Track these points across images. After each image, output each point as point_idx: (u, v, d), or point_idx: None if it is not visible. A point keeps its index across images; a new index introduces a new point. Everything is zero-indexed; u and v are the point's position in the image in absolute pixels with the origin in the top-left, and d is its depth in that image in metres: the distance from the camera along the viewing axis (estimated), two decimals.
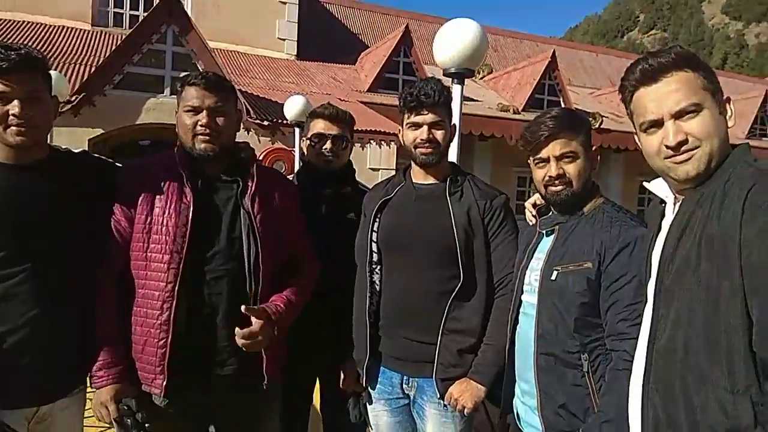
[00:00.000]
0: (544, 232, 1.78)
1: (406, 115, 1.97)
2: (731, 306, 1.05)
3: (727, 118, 1.23)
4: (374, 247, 2.02)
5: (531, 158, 1.77)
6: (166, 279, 1.71)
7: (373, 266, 2.02)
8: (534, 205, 1.91)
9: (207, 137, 1.79)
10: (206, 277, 1.75)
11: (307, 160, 2.40)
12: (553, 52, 15.96)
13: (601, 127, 14.13)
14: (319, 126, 2.33)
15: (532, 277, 1.73)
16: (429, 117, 1.93)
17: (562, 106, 15.69)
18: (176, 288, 1.71)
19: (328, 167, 2.31)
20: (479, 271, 1.93)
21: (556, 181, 1.70)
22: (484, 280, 1.93)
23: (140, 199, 1.77)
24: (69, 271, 1.67)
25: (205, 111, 1.78)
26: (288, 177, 2.37)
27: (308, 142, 2.36)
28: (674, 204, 1.29)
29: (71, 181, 1.72)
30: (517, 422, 1.82)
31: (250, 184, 1.84)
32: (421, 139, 1.94)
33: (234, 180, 1.84)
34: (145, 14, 11.09)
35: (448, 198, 1.95)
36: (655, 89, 1.24)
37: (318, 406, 2.46)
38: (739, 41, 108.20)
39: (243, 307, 1.71)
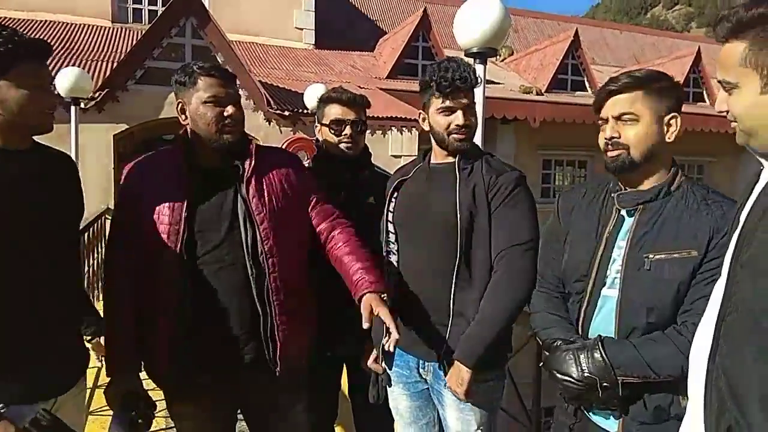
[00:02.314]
0: (624, 212, 1.55)
1: (438, 99, 1.87)
2: None
3: None
4: (390, 227, 1.99)
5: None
6: (170, 271, 1.71)
7: (390, 246, 1.99)
8: None
9: (234, 128, 1.78)
10: (211, 268, 1.74)
11: (324, 147, 2.34)
12: (576, 31, 15.62)
13: None
14: (335, 111, 2.26)
15: (614, 268, 1.52)
16: (465, 101, 1.86)
17: (587, 85, 15.41)
18: (180, 280, 1.70)
19: (347, 153, 2.26)
20: (481, 251, 1.83)
21: (610, 145, 1.54)
22: (486, 260, 1.83)
23: (144, 194, 1.77)
24: (57, 260, 1.63)
25: (230, 102, 1.77)
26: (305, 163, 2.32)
27: (325, 128, 2.29)
28: None
29: (44, 171, 1.65)
30: (586, 413, 1.64)
31: (247, 168, 1.80)
32: (457, 125, 1.85)
33: (235, 167, 1.81)
34: (164, 9, 11.13)
35: (458, 174, 1.86)
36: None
37: (346, 390, 2.46)
38: None
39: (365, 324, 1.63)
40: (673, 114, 1.51)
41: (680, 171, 1.56)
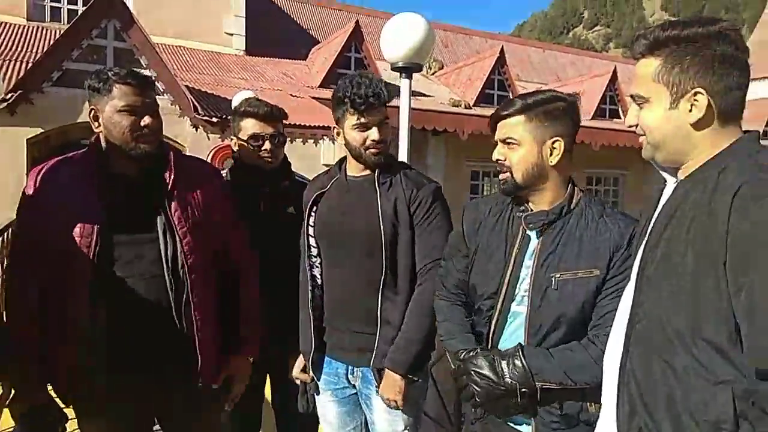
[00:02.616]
0: (532, 233, 1.58)
1: (353, 116, 1.88)
2: (713, 301, 1.00)
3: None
4: (312, 241, 2.02)
5: None
6: (81, 284, 1.64)
7: (313, 260, 2.02)
8: None
9: (151, 137, 1.72)
10: (125, 281, 1.68)
11: (241, 158, 2.29)
12: (501, 48, 16.20)
13: None
14: (253, 126, 2.22)
15: (522, 286, 1.57)
16: (379, 117, 1.89)
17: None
18: (92, 293, 1.64)
19: (267, 167, 2.24)
20: (405, 260, 1.90)
21: (498, 167, 1.61)
22: (410, 268, 1.90)
23: (54, 201, 1.68)
24: None
25: (146, 111, 1.71)
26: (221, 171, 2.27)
27: (242, 142, 2.24)
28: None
29: None
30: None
31: (167, 179, 1.75)
32: (373, 140, 1.89)
33: (152, 177, 1.76)
34: (84, 8, 10.66)
35: (378, 189, 1.91)
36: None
37: (270, 400, 2.44)
38: None
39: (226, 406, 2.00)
40: (555, 138, 1.55)
41: (576, 188, 1.62)
